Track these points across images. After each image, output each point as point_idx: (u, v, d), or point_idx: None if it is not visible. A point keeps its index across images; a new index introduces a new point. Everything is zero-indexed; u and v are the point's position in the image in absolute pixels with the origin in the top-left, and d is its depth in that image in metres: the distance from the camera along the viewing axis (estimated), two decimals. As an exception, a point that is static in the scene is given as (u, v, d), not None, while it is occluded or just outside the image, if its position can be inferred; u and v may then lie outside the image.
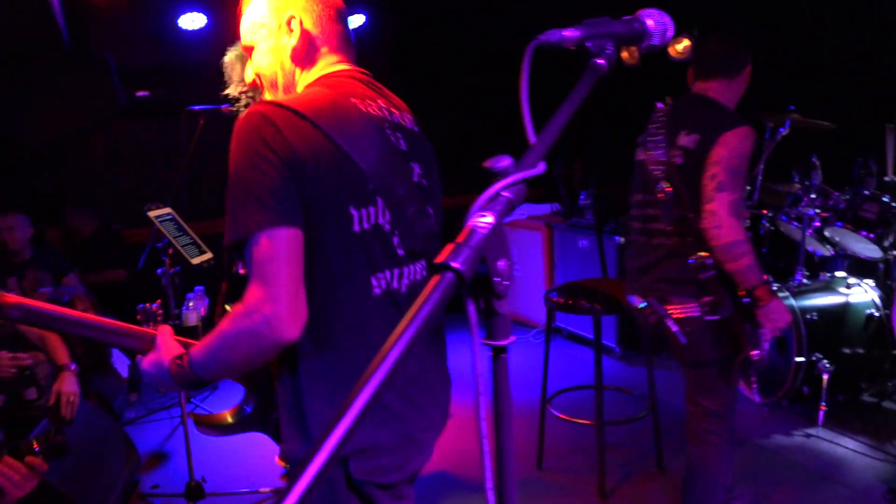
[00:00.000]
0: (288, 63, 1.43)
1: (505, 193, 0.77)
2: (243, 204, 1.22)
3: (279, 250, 1.21)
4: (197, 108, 3.34)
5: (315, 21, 1.43)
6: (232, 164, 1.25)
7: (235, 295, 1.60)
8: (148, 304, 2.51)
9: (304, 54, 1.43)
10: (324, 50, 1.44)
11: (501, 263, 0.76)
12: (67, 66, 4.26)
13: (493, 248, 0.75)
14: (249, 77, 1.49)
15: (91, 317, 1.38)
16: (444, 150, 1.85)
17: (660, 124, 2.36)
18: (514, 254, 5.36)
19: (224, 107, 2.85)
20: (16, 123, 3.91)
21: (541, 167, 0.82)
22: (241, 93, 2.37)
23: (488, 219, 0.74)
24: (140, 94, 5.33)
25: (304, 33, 1.41)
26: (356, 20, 4.90)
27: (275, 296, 1.19)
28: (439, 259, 0.71)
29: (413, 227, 1.39)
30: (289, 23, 1.41)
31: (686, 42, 4.57)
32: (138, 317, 2.18)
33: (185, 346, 1.35)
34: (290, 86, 1.45)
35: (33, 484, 1.83)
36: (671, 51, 4.61)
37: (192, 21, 4.67)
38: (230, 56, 2.40)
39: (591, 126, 6.27)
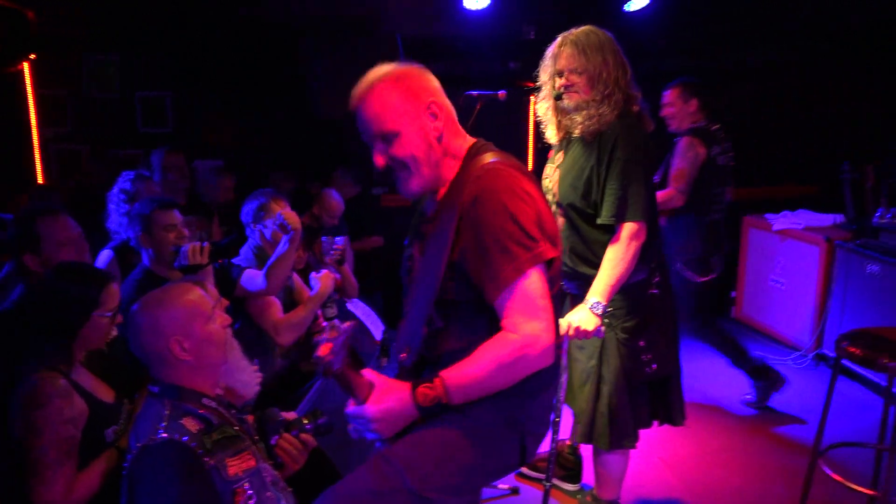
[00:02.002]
0: (434, 142, 1.63)
1: None
2: (520, 242, 1.49)
3: (545, 286, 1.51)
4: (475, 92, 3.41)
5: (442, 100, 1.66)
6: (495, 212, 1.50)
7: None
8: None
9: (445, 130, 1.65)
10: (452, 121, 1.69)
11: None
12: (361, 46, 4.57)
13: None
14: (384, 161, 1.65)
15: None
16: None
17: None
18: (781, 266, 4.95)
19: (500, 93, 2.91)
20: (313, 99, 4.28)
21: None
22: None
23: None
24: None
25: (444, 113, 1.64)
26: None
27: (548, 328, 1.49)
28: None
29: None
30: (429, 108, 1.62)
31: None
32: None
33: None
34: (437, 160, 1.65)
35: (305, 458, 2.03)
36: None
37: (476, 1, 4.76)
38: (585, 38, 2.42)
39: (892, 124, 5.47)
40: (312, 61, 4.37)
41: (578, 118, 2.41)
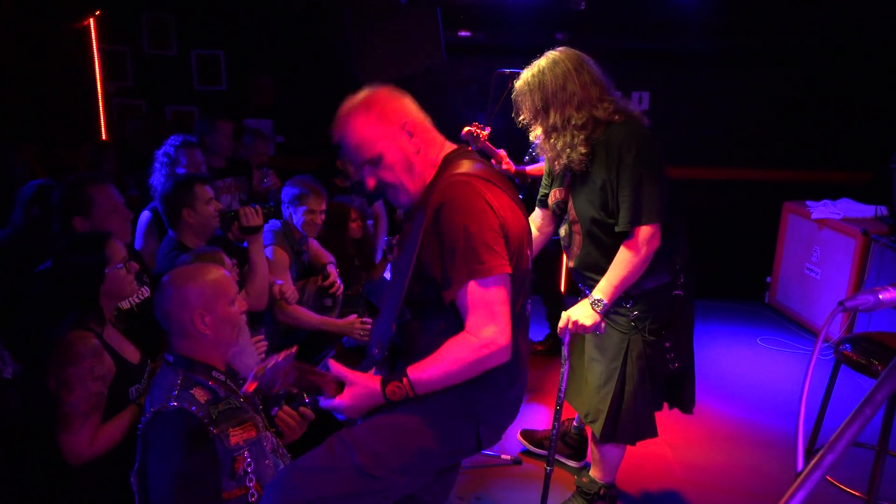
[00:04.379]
0: (413, 157, 1.77)
1: None
2: (478, 252, 1.61)
3: (505, 293, 1.65)
4: (507, 70, 3.47)
5: (414, 115, 1.80)
6: (457, 222, 1.62)
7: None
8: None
9: (421, 144, 1.78)
10: (426, 133, 1.81)
11: None
12: (401, 16, 4.62)
13: None
14: (374, 183, 1.80)
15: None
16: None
17: None
18: (818, 255, 4.89)
19: None
20: (356, 69, 4.39)
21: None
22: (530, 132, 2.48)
23: None
24: (462, 33, 5.61)
25: (417, 128, 1.77)
26: None
27: (504, 331, 1.63)
28: None
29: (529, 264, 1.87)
30: (403, 128, 1.75)
31: None
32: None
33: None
34: (419, 172, 1.78)
35: (304, 429, 2.23)
36: None
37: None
38: (520, 85, 2.45)
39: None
40: (356, 27, 4.45)
41: (548, 154, 2.50)
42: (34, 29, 5.25)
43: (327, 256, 3.59)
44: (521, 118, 2.52)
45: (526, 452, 3.42)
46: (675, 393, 2.75)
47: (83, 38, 5.75)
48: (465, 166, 1.75)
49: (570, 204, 2.57)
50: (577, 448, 3.32)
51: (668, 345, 2.56)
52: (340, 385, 1.73)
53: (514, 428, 3.57)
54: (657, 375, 2.60)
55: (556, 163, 2.48)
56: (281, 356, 1.64)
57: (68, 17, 5.63)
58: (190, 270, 2.05)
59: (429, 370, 1.67)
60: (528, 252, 1.85)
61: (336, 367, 1.74)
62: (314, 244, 3.61)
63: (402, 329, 1.82)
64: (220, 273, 2.06)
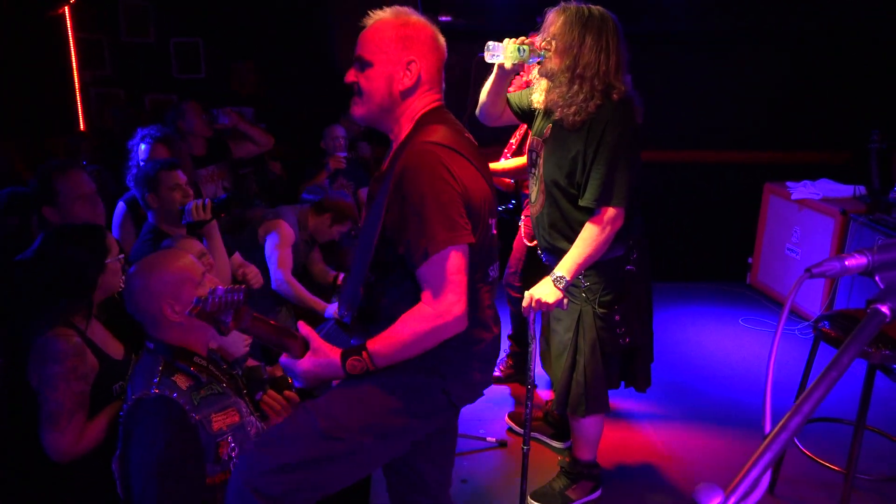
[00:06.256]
0: (395, 93, 1.77)
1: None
2: (435, 224, 1.61)
3: (463, 263, 1.65)
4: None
5: (429, 67, 1.77)
6: (416, 191, 1.63)
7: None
8: None
9: (411, 91, 1.77)
10: (425, 87, 1.79)
11: None
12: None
13: None
14: (351, 79, 1.80)
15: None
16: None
17: None
18: (798, 235, 4.94)
19: None
20: (329, 48, 4.38)
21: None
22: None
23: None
24: (443, 18, 5.59)
25: (418, 77, 1.76)
26: None
27: (460, 300, 1.64)
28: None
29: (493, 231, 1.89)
30: (408, 65, 1.74)
31: None
32: None
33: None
34: (388, 107, 1.79)
35: (290, 412, 2.22)
36: None
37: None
38: (568, 13, 2.43)
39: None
40: (335, 13, 4.43)
41: (556, 98, 2.44)
42: (7, 18, 5.17)
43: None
44: (542, 42, 2.42)
45: (510, 430, 3.44)
46: (629, 369, 2.79)
47: (58, 27, 5.68)
48: (436, 133, 1.73)
49: (541, 160, 2.58)
50: (560, 428, 3.35)
51: (617, 318, 2.61)
52: (306, 346, 1.73)
53: (501, 410, 3.61)
54: (609, 351, 2.65)
55: (559, 109, 2.43)
56: (228, 288, 1.65)
57: (43, 6, 5.55)
58: (152, 261, 2.03)
59: (386, 342, 1.68)
60: (492, 221, 1.86)
61: (304, 329, 1.75)
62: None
63: (368, 292, 1.82)
64: (183, 259, 2.03)
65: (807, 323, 4.83)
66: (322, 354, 1.72)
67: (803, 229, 4.97)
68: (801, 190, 5.00)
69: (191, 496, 1.83)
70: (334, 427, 1.74)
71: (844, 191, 4.88)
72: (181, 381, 1.90)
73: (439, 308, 1.63)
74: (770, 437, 0.71)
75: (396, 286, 1.77)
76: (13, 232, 2.89)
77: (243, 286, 1.69)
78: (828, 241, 4.67)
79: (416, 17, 1.78)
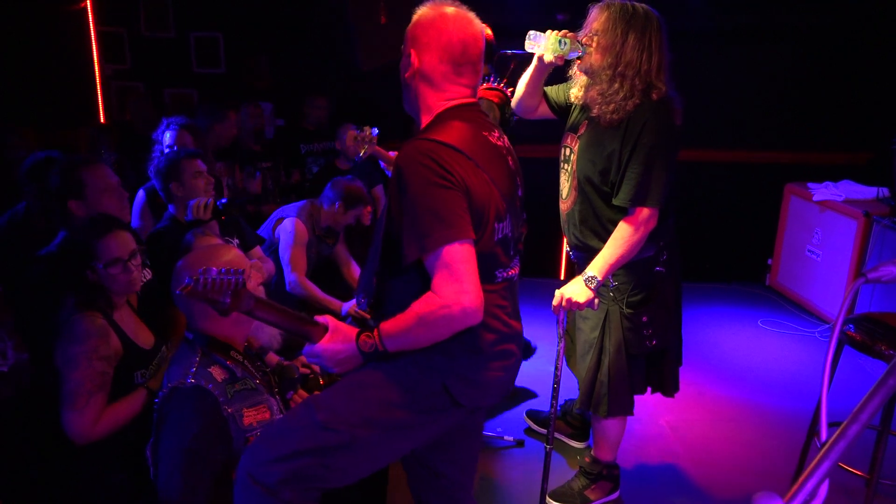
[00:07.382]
0: (411, 85, 1.81)
1: None
2: (436, 220, 1.60)
3: (467, 255, 1.64)
4: (509, 52, 3.43)
5: (429, 60, 1.76)
6: (415, 189, 1.62)
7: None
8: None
9: (425, 83, 1.78)
10: (440, 82, 1.77)
11: None
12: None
13: None
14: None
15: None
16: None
17: None
18: (819, 237, 4.89)
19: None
20: (349, 44, 4.41)
21: None
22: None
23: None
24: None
25: (417, 70, 1.77)
26: None
27: (467, 291, 1.62)
28: None
29: (518, 234, 1.88)
30: (412, 55, 1.77)
31: None
32: None
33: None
34: (411, 100, 1.83)
35: None
36: None
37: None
38: (614, 9, 2.41)
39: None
40: (355, 9, 4.43)
41: (596, 95, 2.41)
42: (31, 11, 5.20)
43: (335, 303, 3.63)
44: (583, 36, 2.40)
45: (531, 432, 3.43)
46: (656, 372, 2.76)
47: (80, 20, 5.71)
48: (444, 131, 1.72)
49: (574, 155, 2.56)
50: (579, 428, 3.34)
51: (644, 319, 2.58)
52: (327, 332, 1.75)
53: (521, 408, 3.60)
54: (635, 353, 2.62)
55: (597, 107, 2.41)
56: (223, 269, 1.65)
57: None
58: (202, 254, 2.04)
59: (396, 323, 1.68)
60: (499, 225, 1.78)
61: (323, 317, 1.76)
62: (343, 252, 3.86)
63: (381, 281, 1.83)
64: (232, 252, 2.06)
65: (827, 326, 4.79)
66: (340, 333, 1.74)
67: (825, 231, 4.92)
68: (823, 191, 4.95)
69: (214, 486, 1.84)
70: (332, 419, 1.74)
71: (867, 192, 4.83)
72: (217, 373, 1.91)
73: (445, 295, 1.62)
74: (828, 444, 0.70)
75: (405, 276, 1.76)
76: (19, 220, 2.92)
77: (242, 268, 1.69)
78: (850, 244, 4.63)
79: (462, 8, 1.78)
